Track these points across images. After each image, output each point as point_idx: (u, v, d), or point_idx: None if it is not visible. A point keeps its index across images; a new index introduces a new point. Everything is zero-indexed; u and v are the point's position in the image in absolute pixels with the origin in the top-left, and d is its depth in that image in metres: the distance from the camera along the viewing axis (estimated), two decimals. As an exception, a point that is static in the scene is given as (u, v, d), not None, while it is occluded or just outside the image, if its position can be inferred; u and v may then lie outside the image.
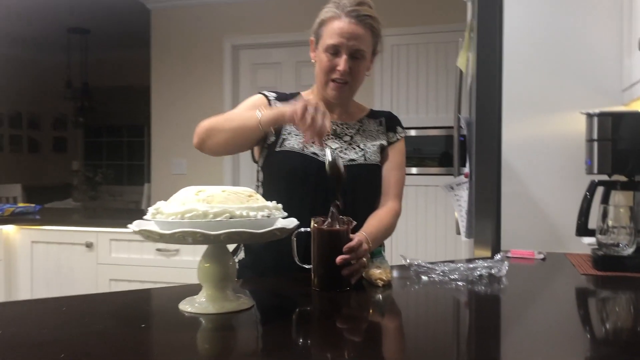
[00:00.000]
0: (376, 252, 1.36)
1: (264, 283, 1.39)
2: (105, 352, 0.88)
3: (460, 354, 0.96)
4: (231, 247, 1.36)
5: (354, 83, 1.50)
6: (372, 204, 1.51)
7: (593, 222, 1.57)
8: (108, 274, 2.89)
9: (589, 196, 1.59)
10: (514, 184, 1.90)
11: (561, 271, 1.59)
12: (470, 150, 2.03)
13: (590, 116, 1.58)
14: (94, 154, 7.71)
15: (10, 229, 2.98)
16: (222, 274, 1.08)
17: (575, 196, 1.64)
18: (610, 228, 1.51)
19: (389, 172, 1.55)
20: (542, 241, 1.83)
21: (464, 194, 2.07)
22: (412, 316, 1.21)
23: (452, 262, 1.46)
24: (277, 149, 1.49)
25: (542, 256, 1.69)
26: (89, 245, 2.90)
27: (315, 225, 1.24)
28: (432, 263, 1.44)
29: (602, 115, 1.56)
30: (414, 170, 4.01)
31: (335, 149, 1.49)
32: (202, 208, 1.02)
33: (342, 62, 1.44)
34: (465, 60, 2.22)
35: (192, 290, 1.13)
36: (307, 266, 1.26)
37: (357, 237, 1.25)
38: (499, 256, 1.45)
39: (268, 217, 1.07)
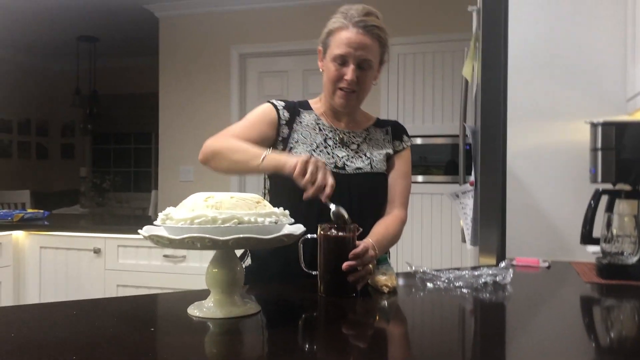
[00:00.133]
0: (382, 258, 1.37)
1: (270, 289, 1.40)
2: (115, 355, 0.89)
3: None
4: (238, 253, 1.37)
5: (361, 92, 1.51)
6: (378, 212, 1.53)
7: (598, 231, 1.57)
8: (115, 279, 2.91)
9: (593, 205, 1.59)
10: (518, 192, 1.90)
11: (566, 279, 1.59)
12: (475, 158, 2.04)
13: (594, 125, 1.59)
14: (102, 160, 7.75)
15: (19, 235, 3.02)
16: (230, 280, 1.10)
17: (579, 205, 1.64)
18: (615, 237, 1.51)
19: (395, 181, 1.56)
20: (546, 249, 1.83)
21: (469, 202, 2.08)
22: (418, 323, 1.22)
23: (457, 269, 1.47)
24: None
25: (546, 264, 1.69)
26: (96, 251, 2.92)
27: (322, 231, 1.25)
28: (437, 270, 1.45)
29: (606, 125, 1.56)
30: (419, 178, 4.02)
31: (342, 157, 1.51)
32: (211, 214, 1.04)
33: (349, 72, 1.46)
34: (471, 69, 2.24)
35: (200, 295, 1.15)
36: (313, 272, 1.27)
37: (363, 244, 1.27)
38: (503, 264, 1.46)
39: (275, 223, 1.09)
